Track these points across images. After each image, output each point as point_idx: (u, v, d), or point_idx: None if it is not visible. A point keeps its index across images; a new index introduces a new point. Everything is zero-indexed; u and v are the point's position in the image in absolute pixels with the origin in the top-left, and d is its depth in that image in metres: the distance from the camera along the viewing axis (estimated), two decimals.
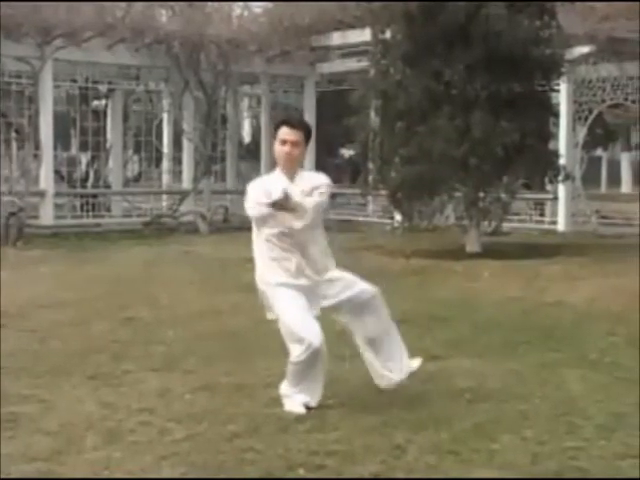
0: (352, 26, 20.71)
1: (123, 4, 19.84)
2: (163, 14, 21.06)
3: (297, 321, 6.05)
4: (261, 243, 6.24)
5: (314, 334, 6.00)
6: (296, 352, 6.03)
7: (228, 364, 7.40)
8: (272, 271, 6.17)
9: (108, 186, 22.56)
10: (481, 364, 7.39)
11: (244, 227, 23.53)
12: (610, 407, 6.16)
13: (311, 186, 6.24)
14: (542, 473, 4.96)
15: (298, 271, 6.17)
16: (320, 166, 25.81)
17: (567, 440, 5.45)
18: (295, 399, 6.12)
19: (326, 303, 6.25)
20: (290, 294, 6.11)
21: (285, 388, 6.21)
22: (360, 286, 6.29)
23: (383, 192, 16.75)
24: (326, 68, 23.64)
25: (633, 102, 20.71)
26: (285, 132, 6.23)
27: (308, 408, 6.04)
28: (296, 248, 6.17)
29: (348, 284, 6.28)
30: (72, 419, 5.85)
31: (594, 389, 6.67)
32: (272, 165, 24.93)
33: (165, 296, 10.83)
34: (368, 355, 6.39)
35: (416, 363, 6.47)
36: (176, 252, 15.83)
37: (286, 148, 6.21)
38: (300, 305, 6.10)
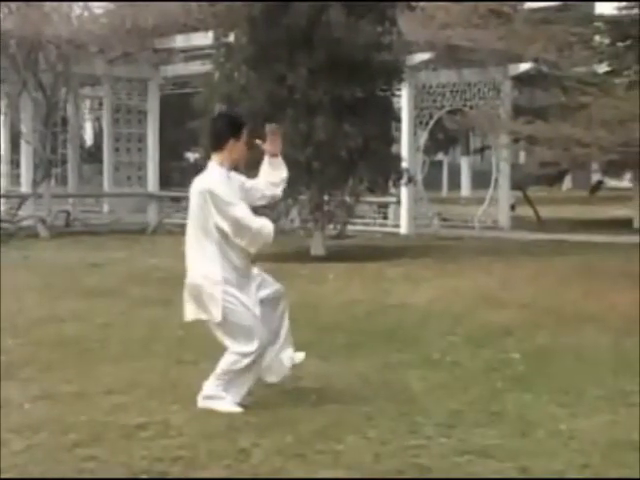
0: (196, 29, 20.59)
1: None
2: None
3: (249, 317, 6.10)
4: (213, 241, 6.17)
5: (262, 331, 6.12)
6: (246, 349, 6.05)
7: (69, 371, 7.23)
8: (220, 268, 6.12)
9: None
10: (326, 366, 7.44)
11: (86, 231, 22.88)
12: (449, 405, 6.31)
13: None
14: (385, 472, 5.03)
15: (247, 267, 6.29)
16: (165, 170, 25.59)
17: (409, 439, 5.56)
18: (227, 399, 6.07)
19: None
20: (237, 290, 6.13)
21: (212, 389, 6.12)
22: (274, 282, 6.51)
23: None
24: (170, 71, 23.44)
25: (471, 108, 21.34)
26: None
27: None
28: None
29: (266, 279, 6.47)
30: None
31: (435, 388, 6.82)
32: (116, 168, 24.22)
33: (4, 303, 10.49)
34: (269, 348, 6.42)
35: (300, 356, 6.56)
36: (15, 258, 15.39)
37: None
38: (247, 302, 6.15)
